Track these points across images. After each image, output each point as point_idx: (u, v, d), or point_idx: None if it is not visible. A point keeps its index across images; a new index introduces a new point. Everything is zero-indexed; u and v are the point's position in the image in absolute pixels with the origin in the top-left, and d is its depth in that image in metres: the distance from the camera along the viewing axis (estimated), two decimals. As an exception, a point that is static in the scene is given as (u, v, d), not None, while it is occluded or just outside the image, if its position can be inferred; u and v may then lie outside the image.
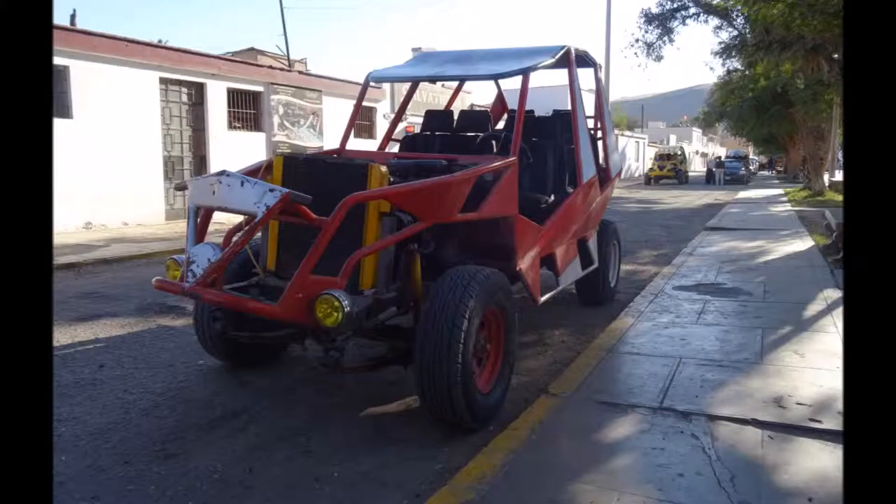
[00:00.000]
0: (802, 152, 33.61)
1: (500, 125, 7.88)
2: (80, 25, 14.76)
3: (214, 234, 4.20)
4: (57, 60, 12.94)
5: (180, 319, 6.78)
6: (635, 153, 60.28)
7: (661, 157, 45.75)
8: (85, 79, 13.79)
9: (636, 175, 57.07)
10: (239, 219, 3.84)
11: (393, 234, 4.02)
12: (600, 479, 3.31)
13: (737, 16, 25.33)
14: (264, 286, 4.19)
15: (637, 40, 29.79)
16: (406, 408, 4.28)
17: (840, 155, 32.14)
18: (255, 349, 5.09)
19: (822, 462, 3.46)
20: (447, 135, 6.56)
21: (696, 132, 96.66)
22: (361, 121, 22.70)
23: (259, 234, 4.31)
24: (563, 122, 6.72)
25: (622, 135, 54.65)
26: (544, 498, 3.13)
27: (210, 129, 16.89)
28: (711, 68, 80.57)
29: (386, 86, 23.71)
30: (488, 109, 7.70)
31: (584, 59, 6.95)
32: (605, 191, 7.21)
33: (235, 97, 17.82)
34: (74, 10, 16.57)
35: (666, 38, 29.16)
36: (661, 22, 28.62)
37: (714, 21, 28.32)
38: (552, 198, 6.11)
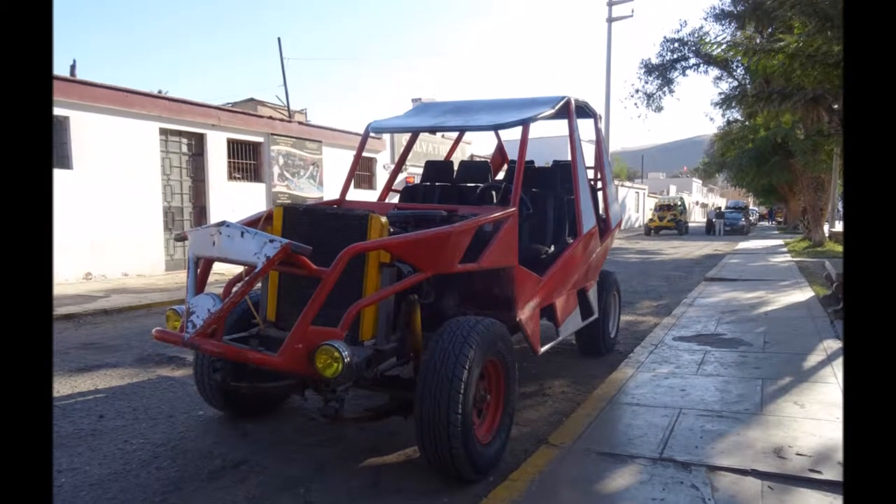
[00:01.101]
0: (802, 203, 33.70)
1: (500, 175, 7.95)
2: (79, 76, 14.98)
3: (215, 285, 4.23)
4: (57, 111, 13.13)
5: (180, 370, 6.77)
6: (635, 204, 60.57)
7: (661, 208, 45.93)
8: (85, 129, 13.95)
9: (636, 226, 57.27)
10: (239, 269, 3.87)
11: (393, 284, 4.04)
12: (600, 531, 3.29)
13: (737, 66, 25.67)
14: (264, 337, 4.20)
15: (637, 91, 30.27)
16: (406, 458, 4.26)
17: (840, 205, 32.26)
18: (254, 400, 5.08)
19: (823, 514, 3.44)
20: (447, 185, 6.60)
21: (696, 183, 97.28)
22: (361, 171, 22.91)
23: (259, 285, 4.34)
24: (563, 172, 6.76)
25: (622, 185, 55.03)
26: (544, 550, 3.11)
27: (210, 180, 17.04)
28: (711, 119, 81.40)
29: (386, 136, 23.97)
30: (488, 160, 7.77)
31: (584, 110, 7.01)
32: (606, 241, 7.24)
33: (235, 147, 18.00)
34: (74, 61, 16.88)
35: (666, 89, 29.61)
36: (661, 73, 29.04)
37: (714, 72, 28.80)
38: (552, 248, 6.13)
